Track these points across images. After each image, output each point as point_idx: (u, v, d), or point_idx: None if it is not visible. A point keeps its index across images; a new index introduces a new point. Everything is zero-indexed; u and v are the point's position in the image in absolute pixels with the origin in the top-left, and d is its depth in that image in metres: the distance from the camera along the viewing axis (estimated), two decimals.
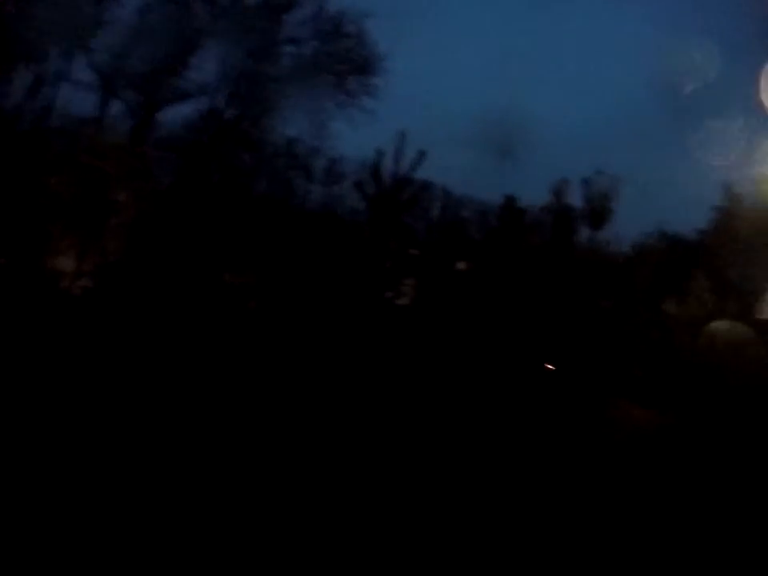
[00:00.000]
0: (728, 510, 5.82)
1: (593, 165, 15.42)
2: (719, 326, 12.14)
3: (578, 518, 4.88)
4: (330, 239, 15.26)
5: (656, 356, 11.90)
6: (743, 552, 4.78)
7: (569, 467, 6.37)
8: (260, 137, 16.34)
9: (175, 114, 15.89)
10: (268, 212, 15.34)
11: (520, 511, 4.84)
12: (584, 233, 15.12)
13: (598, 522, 4.86)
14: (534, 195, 16.05)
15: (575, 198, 15.41)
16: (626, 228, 15.13)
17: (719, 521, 5.50)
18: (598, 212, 12.94)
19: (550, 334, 11.36)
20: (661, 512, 5.47)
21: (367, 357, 10.16)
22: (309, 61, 17.17)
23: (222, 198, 14.65)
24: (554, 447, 6.98)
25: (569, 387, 10.62)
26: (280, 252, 14.47)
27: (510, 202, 14.38)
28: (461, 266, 16.46)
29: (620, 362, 11.47)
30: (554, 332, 11.38)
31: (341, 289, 14.45)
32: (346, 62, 17.04)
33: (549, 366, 11.81)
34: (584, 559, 4.16)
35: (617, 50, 40.71)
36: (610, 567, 4.18)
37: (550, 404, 9.41)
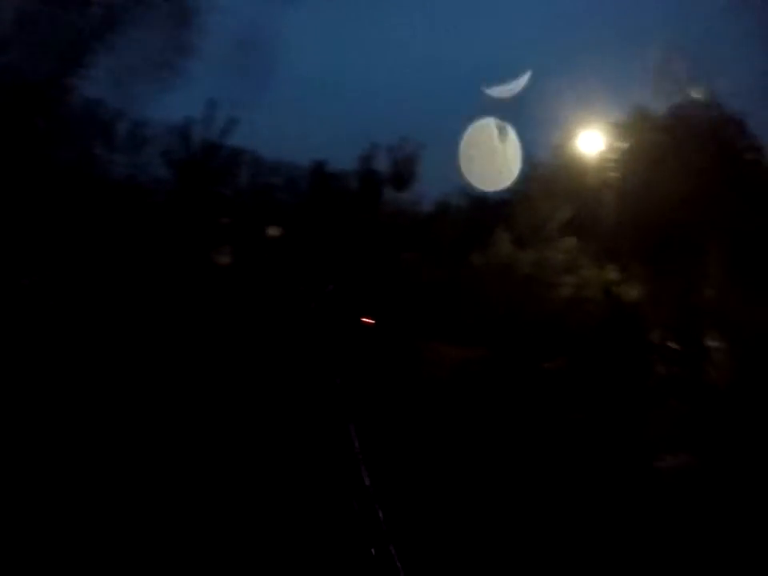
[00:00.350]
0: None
1: (403, 131, 15.72)
2: (516, 271, 12.99)
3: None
4: (132, 212, 13.60)
5: (463, 300, 12.42)
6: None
7: (393, 397, 6.86)
8: (58, 97, 13.77)
9: None
10: (61, 184, 13.13)
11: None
12: (390, 194, 15.31)
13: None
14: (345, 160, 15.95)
15: (383, 163, 15.55)
16: (438, 191, 15.85)
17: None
18: (403, 175, 13.12)
19: (360, 290, 11.46)
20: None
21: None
22: (115, 11, 14.86)
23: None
24: (379, 385, 7.46)
25: (388, 335, 10.81)
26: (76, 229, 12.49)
27: (318, 167, 13.95)
28: (272, 232, 15.71)
29: (429, 307, 11.81)
30: (363, 287, 11.50)
31: (145, 265, 12.83)
32: (156, 14, 15.04)
33: (367, 320, 11.83)
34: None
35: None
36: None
37: (374, 351, 9.67)
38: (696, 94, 39.92)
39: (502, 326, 11.37)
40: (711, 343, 16.37)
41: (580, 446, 7.90)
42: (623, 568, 4.68)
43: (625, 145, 23.29)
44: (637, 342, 11.21)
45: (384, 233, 12.08)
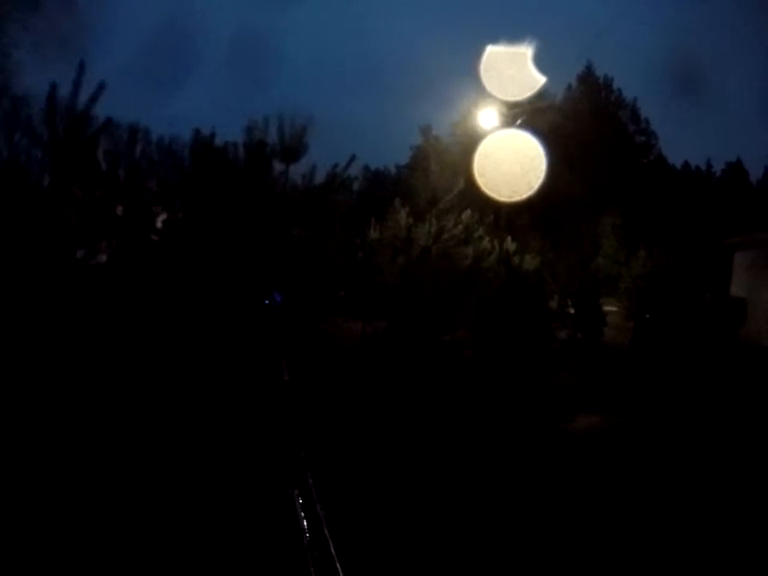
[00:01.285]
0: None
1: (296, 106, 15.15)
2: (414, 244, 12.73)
3: None
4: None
5: (359, 274, 12.01)
6: None
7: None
8: None
9: None
10: None
11: None
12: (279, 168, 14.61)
13: None
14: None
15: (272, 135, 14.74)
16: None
17: None
18: (292, 147, 12.20)
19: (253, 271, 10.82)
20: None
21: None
22: None
23: None
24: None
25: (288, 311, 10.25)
26: None
27: (200, 138, 12.78)
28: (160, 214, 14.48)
29: (325, 283, 11.28)
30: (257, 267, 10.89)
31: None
32: None
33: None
34: None
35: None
36: None
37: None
38: (592, 79, 41.63)
39: (401, 299, 11.05)
40: (607, 308, 16.94)
41: (486, 413, 8.07)
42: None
43: (522, 124, 23.48)
44: (536, 309, 11.27)
45: (274, 208, 11.32)
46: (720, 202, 32.81)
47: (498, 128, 19.71)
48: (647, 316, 13.74)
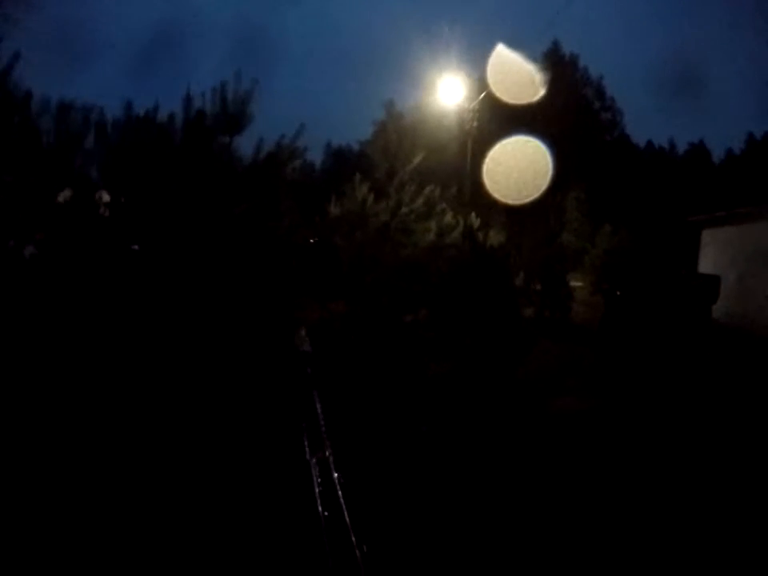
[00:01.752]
0: None
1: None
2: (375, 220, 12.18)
3: None
4: None
5: (315, 250, 11.38)
6: None
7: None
8: None
9: None
10: None
11: None
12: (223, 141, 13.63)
13: None
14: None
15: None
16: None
17: None
18: (235, 117, 11.13)
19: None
20: None
21: None
22: None
23: None
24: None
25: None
26: None
27: (129, 111, 11.60)
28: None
29: (275, 262, 10.58)
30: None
31: None
32: None
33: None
34: None
35: None
36: None
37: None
38: (558, 56, 41.25)
39: (358, 277, 10.34)
40: (573, 283, 16.65)
41: (452, 399, 7.51)
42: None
43: (487, 100, 23.01)
44: (502, 287, 10.71)
45: (215, 185, 10.32)
46: (683, 181, 33.11)
47: (461, 103, 19.10)
48: (618, 293, 13.12)
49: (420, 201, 12.55)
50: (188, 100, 11.02)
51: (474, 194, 17.76)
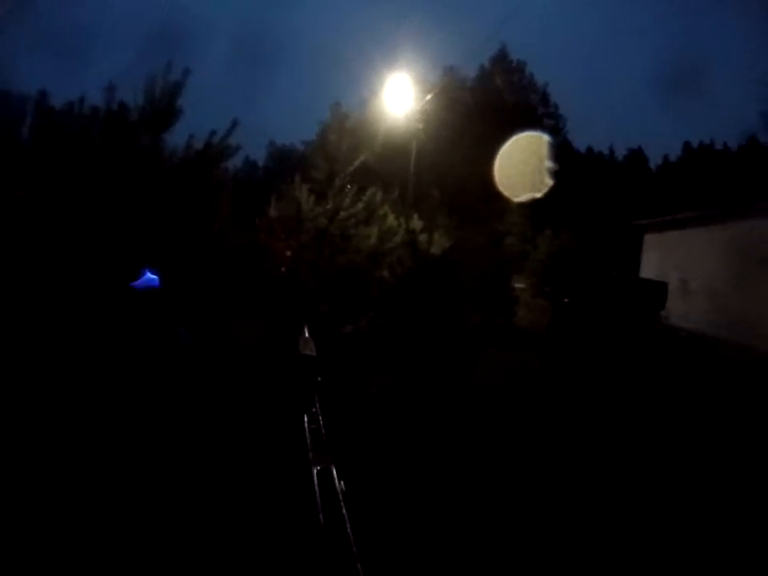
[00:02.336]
0: None
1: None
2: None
3: None
4: None
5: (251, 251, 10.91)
6: None
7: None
8: None
9: None
10: None
11: None
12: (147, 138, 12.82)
13: None
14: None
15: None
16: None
17: None
18: (162, 111, 10.35)
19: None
20: None
21: None
22: None
23: None
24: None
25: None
26: None
27: (43, 103, 10.59)
28: None
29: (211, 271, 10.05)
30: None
31: None
32: None
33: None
34: None
35: None
36: None
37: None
38: (505, 62, 41.64)
39: (293, 287, 9.70)
40: (515, 285, 16.70)
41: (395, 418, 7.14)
42: None
43: (433, 102, 22.86)
44: (446, 294, 10.42)
45: (137, 187, 9.50)
46: (622, 186, 34.11)
47: (408, 106, 18.91)
48: (565, 300, 12.93)
49: (360, 205, 12.18)
50: (110, 91, 10.19)
51: (420, 197, 17.58)
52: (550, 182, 22.73)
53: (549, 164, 23.52)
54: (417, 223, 14.76)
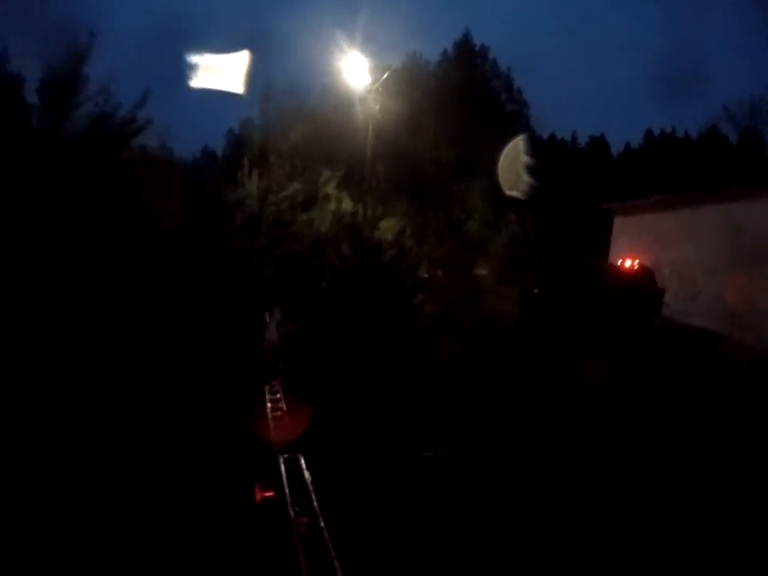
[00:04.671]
0: None
1: None
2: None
3: None
4: None
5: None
6: None
7: None
8: None
9: None
10: None
11: None
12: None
13: None
14: None
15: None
16: None
17: None
18: (60, 83, 8.62)
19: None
20: None
21: None
22: None
23: None
24: None
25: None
26: None
27: None
28: None
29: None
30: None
31: None
32: None
33: None
34: None
35: None
36: None
37: None
38: (468, 47, 40.90)
39: (217, 283, 7.87)
40: (479, 271, 15.92)
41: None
42: None
43: (393, 86, 21.93)
44: (394, 290, 9.03)
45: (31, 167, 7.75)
46: (584, 172, 33.83)
47: (365, 87, 17.87)
48: (535, 291, 11.18)
49: (296, 185, 10.84)
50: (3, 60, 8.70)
51: (377, 182, 16.59)
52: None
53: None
54: (362, 209, 13.78)
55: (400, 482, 4.84)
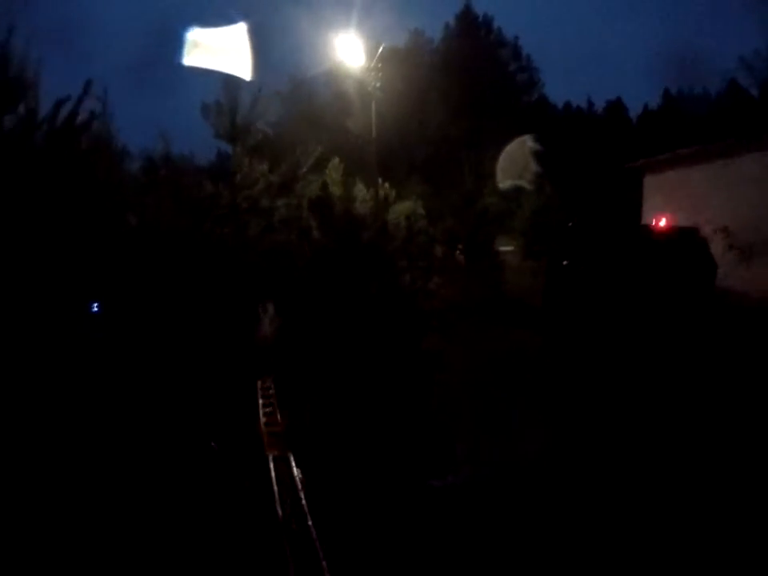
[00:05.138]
0: None
1: None
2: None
3: None
4: None
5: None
6: None
7: None
8: None
9: None
10: None
11: None
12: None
13: None
14: None
15: None
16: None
17: None
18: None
19: None
20: None
21: None
22: None
23: None
24: None
25: None
26: None
27: None
28: None
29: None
30: None
31: None
32: None
33: None
34: None
35: None
36: None
37: None
38: (471, 18, 39.62)
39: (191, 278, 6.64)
40: (503, 248, 15.07)
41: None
42: None
43: (399, 68, 21.11)
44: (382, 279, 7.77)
45: None
46: (603, 137, 32.52)
47: (376, 72, 17.04)
48: (564, 263, 9.62)
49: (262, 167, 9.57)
50: None
51: (384, 161, 15.74)
52: (535, 168, 20.58)
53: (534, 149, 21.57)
54: (387, 190, 12.92)
55: (397, 527, 3.64)
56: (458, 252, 12.72)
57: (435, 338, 7.28)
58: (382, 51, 16.19)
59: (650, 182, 16.37)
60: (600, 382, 6.15)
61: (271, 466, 3.91)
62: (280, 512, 3.40)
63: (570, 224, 10.19)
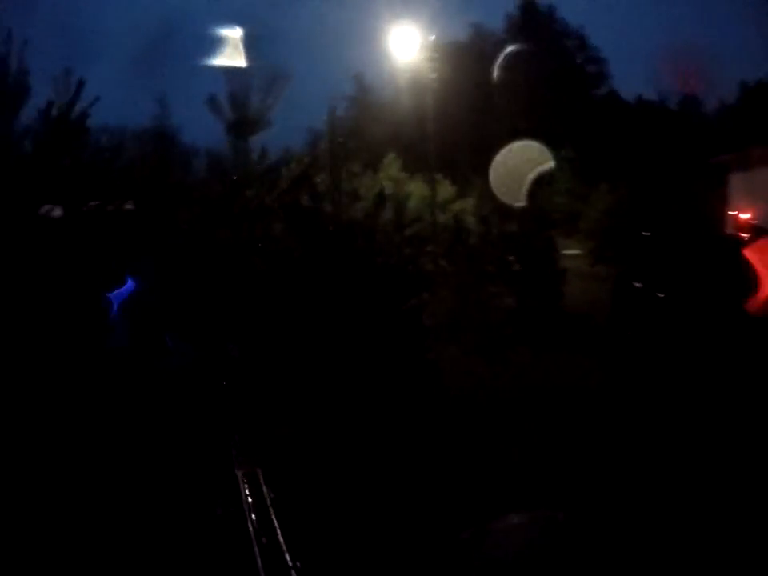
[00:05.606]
0: None
1: None
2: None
3: None
4: None
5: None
6: None
7: None
8: None
9: None
10: None
11: None
12: None
13: None
14: None
15: None
16: None
17: None
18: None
19: None
20: None
21: None
22: None
23: None
24: None
25: None
26: None
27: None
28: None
29: None
30: None
31: None
32: None
33: None
34: None
35: None
36: None
37: None
38: (533, 8, 38.34)
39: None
40: (570, 251, 14.13)
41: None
42: None
43: (462, 62, 20.45)
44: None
45: None
46: (677, 134, 30.79)
47: (439, 69, 16.53)
48: (637, 285, 7.83)
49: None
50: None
51: (445, 156, 15.06)
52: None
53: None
54: (448, 188, 12.24)
55: None
56: (511, 257, 11.57)
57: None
58: (438, 43, 15.53)
59: (737, 180, 14.67)
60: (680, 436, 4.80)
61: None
62: None
63: (645, 233, 8.62)
